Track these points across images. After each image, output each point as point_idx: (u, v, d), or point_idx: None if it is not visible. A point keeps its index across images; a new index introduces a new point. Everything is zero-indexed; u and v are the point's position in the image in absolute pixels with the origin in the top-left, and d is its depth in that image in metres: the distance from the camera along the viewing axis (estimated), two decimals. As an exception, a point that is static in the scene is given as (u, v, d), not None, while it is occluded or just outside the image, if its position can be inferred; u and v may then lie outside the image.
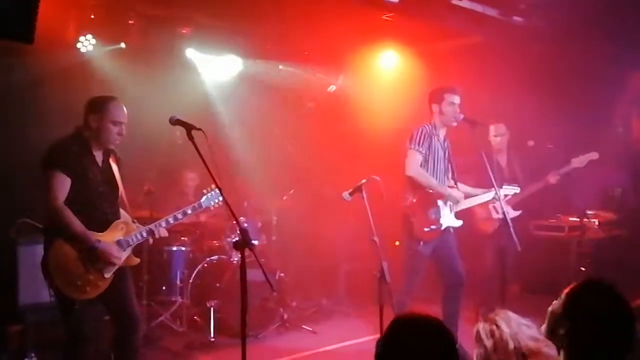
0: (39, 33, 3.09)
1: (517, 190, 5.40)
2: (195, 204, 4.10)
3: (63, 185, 3.61)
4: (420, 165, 4.89)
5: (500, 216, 5.84)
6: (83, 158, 3.73)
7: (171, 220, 3.97)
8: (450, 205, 4.98)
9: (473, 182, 5.40)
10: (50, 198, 3.58)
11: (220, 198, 3.72)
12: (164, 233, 3.96)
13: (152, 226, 3.90)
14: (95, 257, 3.65)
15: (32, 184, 3.80)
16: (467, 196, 5.17)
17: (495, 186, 4.78)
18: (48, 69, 5.58)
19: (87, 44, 5.81)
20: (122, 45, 6.09)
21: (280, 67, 7.36)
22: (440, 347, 1.67)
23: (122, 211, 3.95)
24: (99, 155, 3.83)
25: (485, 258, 6.16)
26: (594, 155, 5.90)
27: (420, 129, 4.93)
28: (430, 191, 4.91)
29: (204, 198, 4.14)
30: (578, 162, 5.88)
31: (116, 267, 3.75)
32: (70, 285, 3.61)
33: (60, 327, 3.74)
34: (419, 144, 4.88)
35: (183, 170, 6.38)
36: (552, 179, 6.00)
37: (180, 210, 4.02)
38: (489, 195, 5.07)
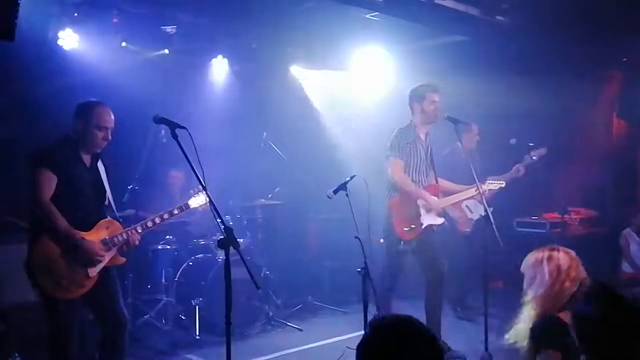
0: (21, 30, 3.09)
1: (503, 184, 5.45)
2: (182, 205, 4.12)
3: (49, 183, 3.61)
4: (403, 171, 4.93)
5: (477, 216, 5.93)
6: (71, 159, 3.75)
7: (157, 220, 3.99)
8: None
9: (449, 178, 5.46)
10: (37, 195, 3.58)
11: (206, 198, 3.73)
12: (136, 237, 3.91)
13: (137, 226, 3.90)
14: (79, 256, 3.64)
15: (15, 182, 3.78)
16: (449, 193, 5.21)
17: (477, 182, 4.83)
18: (31, 67, 5.54)
19: (69, 40, 5.76)
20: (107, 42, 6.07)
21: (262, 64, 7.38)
22: (424, 347, 1.67)
23: (108, 213, 3.95)
24: (87, 158, 3.85)
25: (465, 255, 6.23)
26: (543, 151, 6.01)
27: (399, 136, 4.96)
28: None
29: (191, 199, 4.16)
30: (535, 154, 5.92)
31: (101, 267, 3.75)
32: (54, 284, 3.60)
33: (44, 328, 3.72)
34: (398, 151, 4.92)
35: (168, 169, 6.37)
36: (522, 169, 6.07)
37: (167, 211, 4.03)
38: (471, 192, 5.11)
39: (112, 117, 3.83)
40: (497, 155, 6.52)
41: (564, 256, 2.85)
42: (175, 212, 4.05)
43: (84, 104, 3.84)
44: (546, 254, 2.88)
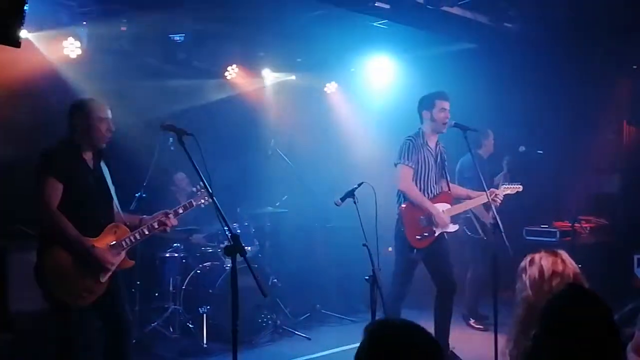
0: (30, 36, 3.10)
1: (520, 188, 5.37)
2: (186, 203, 4.11)
3: (55, 191, 3.60)
4: (412, 179, 4.90)
5: (492, 221, 5.87)
6: (74, 163, 3.73)
7: (164, 219, 3.96)
8: (443, 210, 4.97)
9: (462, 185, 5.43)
10: (44, 204, 3.58)
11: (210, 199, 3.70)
12: (174, 222, 3.94)
13: (144, 228, 3.89)
14: (91, 263, 3.64)
15: (23, 190, 3.78)
16: (463, 198, 5.17)
17: (486, 190, 4.78)
18: (41, 72, 5.57)
19: (73, 47, 5.76)
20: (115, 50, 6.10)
21: (271, 73, 7.39)
22: (425, 350, 1.62)
23: (115, 214, 3.94)
24: (89, 160, 3.83)
25: (480, 264, 6.17)
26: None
27: (407, 143, 4.91)
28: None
29: (195, 197, 4.15)
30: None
31: (111, 272, 3.75)
32: (66, 291, 3.59)
33: (50, 335, 3.71)
34: (407, 159, 4.88)
35: (174, 173, 6.36)
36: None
37: (172, 210, 4.01)
38: (482, 199, 5.04)
39: (109, 109, 3.83)
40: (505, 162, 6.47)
41: (546, 258, 2.60)
42: (181, 211, 4.03)
43: (80, 101, 3.84)
44: (528, 258, 2.65)
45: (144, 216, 4.00)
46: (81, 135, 3.76)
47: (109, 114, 3.82)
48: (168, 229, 3.95)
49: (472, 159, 5.02)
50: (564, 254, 2.67)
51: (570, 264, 2.63)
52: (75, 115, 3.77)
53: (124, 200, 4.17)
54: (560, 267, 2.60)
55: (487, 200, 4.90)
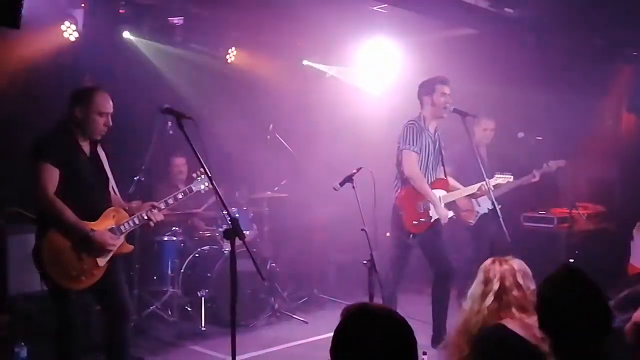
0: (27, 19, 3.08)
1: (511, 178, 5.40)
2: (186, 189, 4.13)
3: (52, 176, 3.60)
4: (418, 165, 4.90)
5: (484, 210, 5.90)
6: (70, 149, 3.72)
7: (162, 205, 3.97)
8: (440, 196, 4.99)
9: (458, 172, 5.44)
10: (40, 190, 3.57)
11: (209, 184, 3.70)
12: (159, 217, 3.94)
13: (143, 212, 3.90)
14: (89, 246, 3.65)
15: (22, 173, 3.77)
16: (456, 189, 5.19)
17: (486, 178, 4.78)
18: (38, 56, 5.53)
19: (71, 30, 5.71)
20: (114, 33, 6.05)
21: (270, 56, 7.35)
22: (397, 336, 1.68)
23: (113, 199, 3.94)
24: (85, 146, 3.82)
25: (471, 248, 6.20)
26: (562, 163, 6.13)
27: (411, 128, 4.90)
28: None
29: (194, 182, 4.15)
30: (553, 164, 6.07)
31: (110, 255, 3.76)
32: (65, 275, 3.61)
33: (49, 317, 3.73)
34: (413, 143, 4.87)
35: (171, 157, 6.34)
36: (537, 175, 6.06)
37: (172, 195, 4.02)
38: (477, 186, 5.06)
39: (111, 102, 3.79)
40: (503, 149, 6.46)
41: (500, 268, 2.77)
42: (180, 196, 4.05)
43: (82, 90, 3.80)
44: (488, 262, 2.83)
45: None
46: (78, 125, 3.74)
47: (110, 107, 3.77)
48: (152, 223, 3.93)
49: (473, 146, 5.01)
50: (496, 272, 2.78)
51: (496, 285, 2.72)
52: (75, 104, 3.74)
53: (122, 183, 4.17)
54: (477, 290, 2.80)
55: (479, 189, 4.94)
